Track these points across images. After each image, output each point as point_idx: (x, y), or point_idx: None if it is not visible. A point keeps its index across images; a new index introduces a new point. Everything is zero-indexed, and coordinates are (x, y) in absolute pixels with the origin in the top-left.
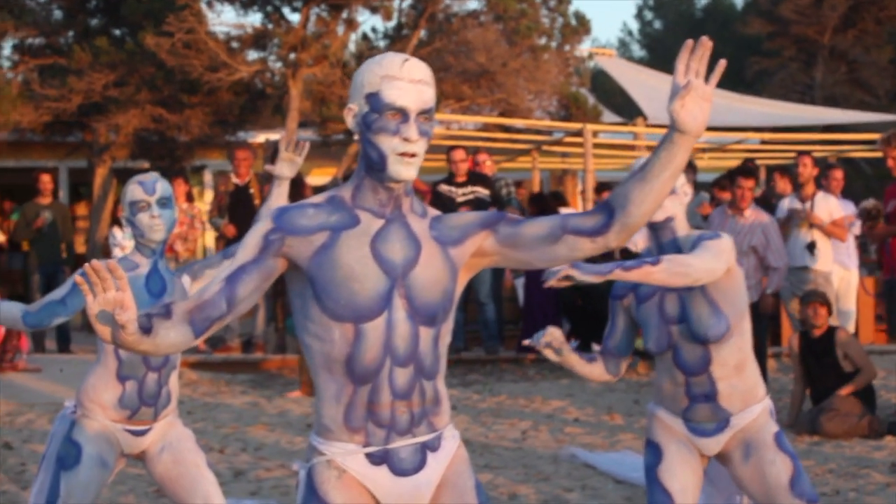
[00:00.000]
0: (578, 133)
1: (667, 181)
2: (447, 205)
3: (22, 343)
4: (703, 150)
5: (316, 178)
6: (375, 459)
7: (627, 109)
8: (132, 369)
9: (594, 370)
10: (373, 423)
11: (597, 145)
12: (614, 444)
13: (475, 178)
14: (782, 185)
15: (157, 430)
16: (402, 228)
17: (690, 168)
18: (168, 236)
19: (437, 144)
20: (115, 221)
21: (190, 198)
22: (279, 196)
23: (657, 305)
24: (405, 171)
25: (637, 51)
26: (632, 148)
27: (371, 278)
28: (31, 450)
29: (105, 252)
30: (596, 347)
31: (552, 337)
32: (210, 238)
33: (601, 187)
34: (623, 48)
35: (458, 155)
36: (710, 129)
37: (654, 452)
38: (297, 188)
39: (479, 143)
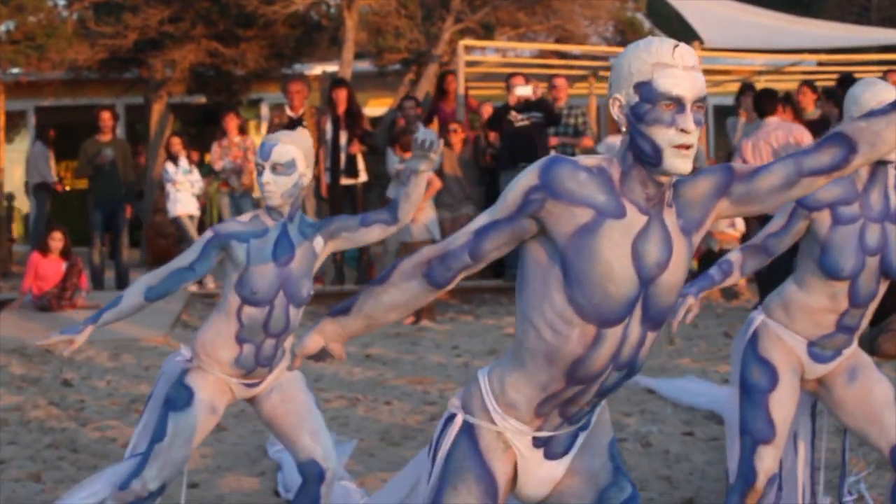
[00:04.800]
0: None
1: None
2: (507, 130)
3: (82, 281)
4: (760, 73)
5: (373, 108)
6: (538, 443)
7: (683, 34)
8: (252, 334)
9: (728, 280)
10: (559, 414)
11: None
12: (673, 369)
13: (531, 104)
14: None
15: (269, 379)
16: (660, 228)
17: (751, 91)
18: (288, 202)
19: (494, 72)
20: (170, 157)
21: (243, 131)
22: (417, 186)
23: (858, 232)
24: (682, 164)
25: None
26: None
27: (626, 282)
28: (90, 386)
29: (161, 188)
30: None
31: (690, 308)
32: None
33: None
34: None
35: (517, 81)
36: (765, 51)
37: (769, 375)
38: (355, 119)
39: (536, 70)
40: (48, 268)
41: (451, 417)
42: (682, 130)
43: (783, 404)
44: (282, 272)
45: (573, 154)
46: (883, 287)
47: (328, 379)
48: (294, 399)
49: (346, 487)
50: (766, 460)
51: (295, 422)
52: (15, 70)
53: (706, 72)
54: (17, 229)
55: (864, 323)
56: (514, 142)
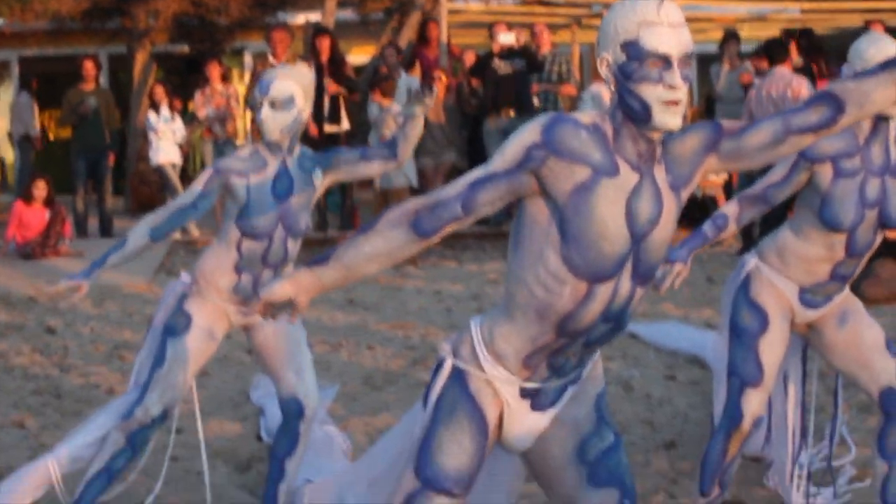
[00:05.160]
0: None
1: None
2: (490, 77)
3: (65, 229)
4: (743, 21)
5: (356, 56)
6: (525, 393)
7: None
8: (250, 265)
9: (723, 234)
10: (546, 365)
11: None
12: (657, 314)
13: (514, 51)
14: None
15: None
16: (651, 185)
17: (735, 39)
18: (286, 137)
19: (476, 21)
20: (153, 106)
21: (226, 79)
22: (415, 127)
23: (859, 185)
24: (671, 119)
25: None
26: None
27: (620, 239)
28: (74, 333)
29: (144, 136)
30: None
31: (679, 274)
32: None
33: None
34: None
35: (499, 28)
36: None
37: (759, 318)
38: (338, 67)
39: (519, 18)
40: (32, 216)
41: (442, 362)
42: (671, 87)
43: (773, 348)
44: (281, 206)
45: (555, 101)
46: (879, 237)
47: (311, 324)
48: (286, 335)
49: (329, 432)
50: (754, 403)
51: (282, 357)
52: None
53: (689, 20)
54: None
55: (858, 272)
56: (497, 89)
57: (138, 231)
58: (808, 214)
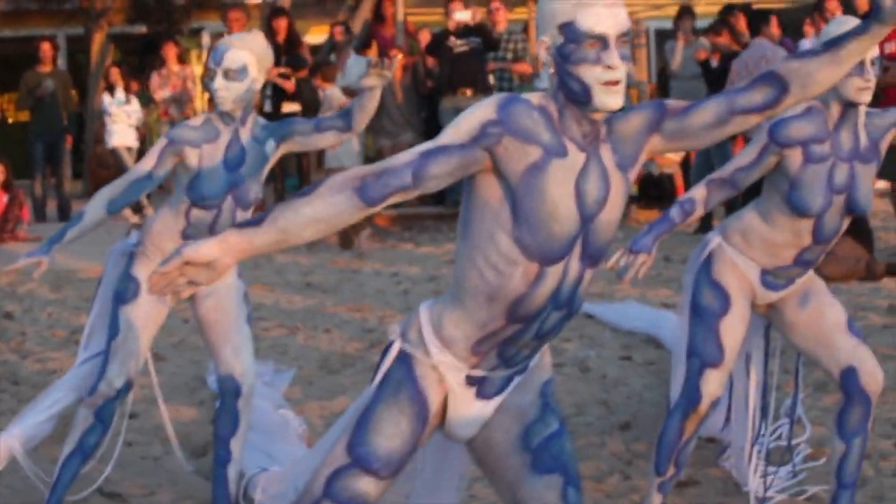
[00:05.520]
0: None
1: (851, 66)
2: (446, 56)
3: (23, 213)
4: None
5: (314, 36)
6: (471, 381)
7: None
8: (198, 232)
9: (690, 219)
10: (496, 354)
11: None
12: (612, 294)
13: (469, 29)
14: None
15: None
16: (598, 165)
17: (689, 15)
18: (240, 107)
19: None
20: (108, 88)
21: (182, 60)
22: (372, 99)
23: (828, 171)
24: (611, 100)
25: None
26: None
27: (569, 220)
28: (31, 318)
29: (101, 119)
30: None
31: (644, 262)
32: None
33: None
34: None
35: (455, 6)
36: None
37: (721, 298)
38: (294, 48)
39: None
40: None
41: (391, 345)
42: (609, 67)
43: (734, 329)
44: (231, 176)
45: (510, 79)
46: (845, 224)
47: (268, 307)
48: (226, 310)
49: (285, 415)
50: (713, 384)
51: (220, 333)
52: None
53: None
54: None
55: (822, 258)
56: (453, 67)
57: (95, 204)
58: (776, 198)
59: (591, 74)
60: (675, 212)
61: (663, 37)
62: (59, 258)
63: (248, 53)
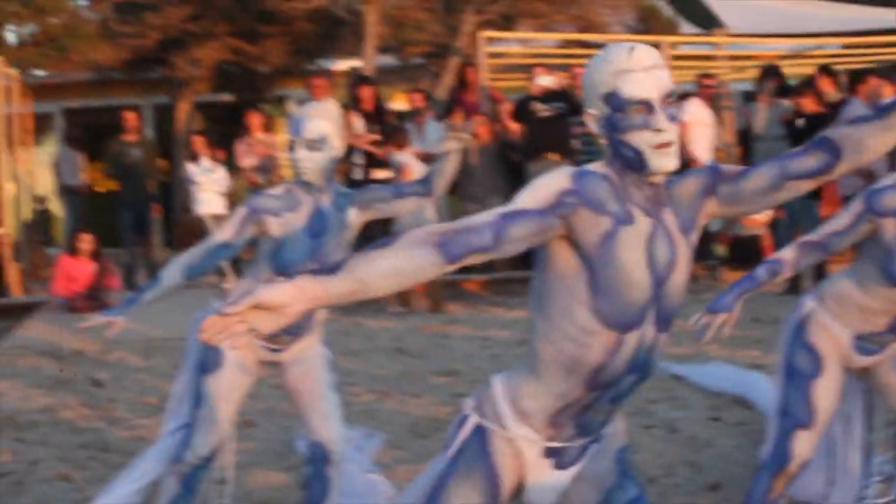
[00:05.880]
0: (656, 46)
1: None
2: (531, 121)
3: (112, 281)
4: (783, 58)
5: (398, 102)
6: (548, 453)
7: (705, 20)
8: None
9: (777, 279)
10: (573, 424)
11: (676, 57)
12: (701, 355)
13: (553, 94)
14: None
15: (294, 349)
16: (664, 229)
17: (772, 76)
18: (322, 176)
19: (516, 63)
20: (192, 156)
21: (268, 128)
22: (450, 162)
23: None
24: (666, 162)
25: None
26: (712, 58)
27: (643, 286)
28: (121, 386)
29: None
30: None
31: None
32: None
33: (682, 97)
34: None
35: (539, 71)
36: (789, 35)
37: (814, 362)
38: (381, 116)
39: (558, 61)
40: (78, 270)
41: (465, 419)
42: (657, 130)
43: (826, 393)
44: (314, 244)
45: (595, 143)
46: None
47: (358, 373)
48: (314, 377)
49: (373, 480)
50: (803, 445)
51: (309, 401)
52: (39, 72)
53: (730, 58)
54: (56, 233)
55: None
56: (537, 132)
57: (173, 269)
58: (871, 267)
59: (641, 140)
60: (761, 271)
61: (747, 99)
62: (149, 328)
63: (327, 122)
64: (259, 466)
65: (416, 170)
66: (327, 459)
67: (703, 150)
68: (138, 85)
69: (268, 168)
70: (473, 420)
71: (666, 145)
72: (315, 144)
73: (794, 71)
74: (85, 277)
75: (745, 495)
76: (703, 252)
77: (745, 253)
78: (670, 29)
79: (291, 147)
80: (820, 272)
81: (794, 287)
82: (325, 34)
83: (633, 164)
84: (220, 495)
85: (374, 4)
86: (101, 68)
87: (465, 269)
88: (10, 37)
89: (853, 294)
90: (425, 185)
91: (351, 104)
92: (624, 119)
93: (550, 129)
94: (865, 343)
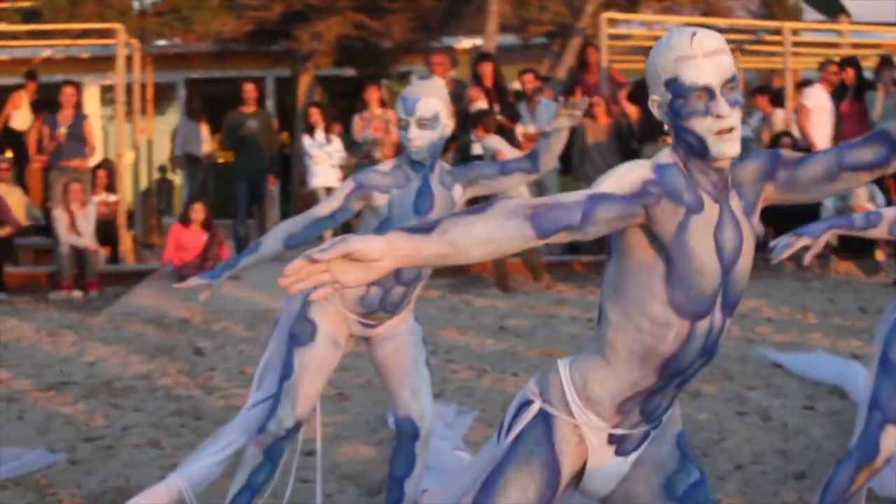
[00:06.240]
0: (778, 32)
1: None
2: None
3: (223, 251)
4: None
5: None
6: (612, 439)
7: (830, 8)
8: (383, 279)
9: (870, 230)
10: (640, 411)
11: (799, 44)
12: (804, 343)
13: None
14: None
15: (387, 324)
16: (729, 214)
17: (890, 65)
18: (431, 154)
19: (639, 45)
20: (308, 129)
21: (385, 103)
22: (559, 139)
23: None
24: (729, 147)
25: None
26: (836, 46)
27: (714, 274)
28: (222, 355)
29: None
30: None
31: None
32: None
33: (803, 84)
34: None
35: None
36: None
37: None
38: (503, 94)
39: None
40: (189, 239)
41: (528, 403)
42: (718, 116)
43: None
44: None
45: None
46: None
47: (459, 350)
48: (405, 353)
49: (462, 457)
50: (892, 440)
51: (399, 376)
52: (161, 42)
53: (854, 45)
54: (176, 202)
55: None
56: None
57: (273, 236)
58: None
59: (703, 126)
60: (859, 217)
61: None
62: (255, 297)
63: (438, 101)
64: (350, 440)
65: (509, 154)
66: (416, 435)
67: (822, 137)
68: (261, 57)
69: (383, 143)
70: (537, 405)
71: (728, 131)
72: (427, 123)
73: None
74: (196, 247)
75: (825, 482)
76: None
77: (858, 243)
78: (794, 15)
79: (402, 125)
80: None
81: None
82: (449, 11)
83: (696, 150)
84: (309, 467)
85: None
86: (224, 40)
87: (574, 250)
88: (135, 6)
89: None
90: (531, 160)
91: (473, 81)
92: (686, 105)
93: None
94: None
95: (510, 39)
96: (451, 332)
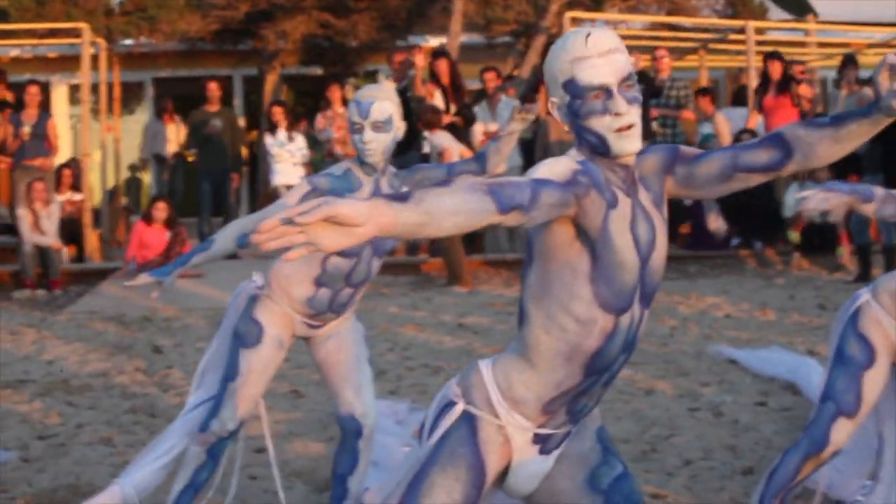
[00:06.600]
0: (741, 31)
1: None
2: None
3: (185, 249)
4: (870, 46)
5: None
6: (537, 439)
7: (797, 7)
8: (332, 281)
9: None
10: (566, 411)
11: (764, 42)
12: (761, 340)
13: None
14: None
15: (331, 324)
16: (641, 208)
17: (852, 64)
18: (384, 158)
19: None
20: (270, 127)
21: (347, 102)
22: (508, 143)
23: None
24: (629, 144)
25: None
26: (802, 45)
27: (633, 267)
28: (180, 353)
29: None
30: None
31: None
32: None
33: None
34: None
35: None
36: (881, 24)
37: (866, 352)
38: (459, 92)
39: (646, 43)
40: (152, 237)
41: (451, 404)
42: (617, 114)
43: (875, 384)
44: None
45: (674, 125)
46: None
47: (417, 347)
48: (347, 351)
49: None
50: (842, 433)
51: (342, 374)
52: (128, 41)
53: (821, 45)
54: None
55: None
56: None
57: (227, 233)
58: None
59: (602, 125)
60: (863, 186)
61: (835, 86)
62: (217, 295)
63: (391, 104)
64: (301, 437)
65: (455, 151)
66: (359, 433)
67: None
68: (228, 56)
69: (346, 142)
70: (461, 407)
71: (627, 128)
72: (381, 126)
73: (877, 61)
74: (158, 245)
75: (770, 470)
76: (777, 238)
77: (821, 241)
78: (759, 14)
79: (356, 129)
80: (891, 265)
81: (864, 276)
82: (415, 10)
83: (598, 149)
84: (256, 464)
85: None
86: (191, 39)
87: None
88: (102, 5)
89: None
90: (479, 162)
91: (430, 79)
92: (584, 105)
93: None
94: None
95: (475, 38)
96: (409, 329)
